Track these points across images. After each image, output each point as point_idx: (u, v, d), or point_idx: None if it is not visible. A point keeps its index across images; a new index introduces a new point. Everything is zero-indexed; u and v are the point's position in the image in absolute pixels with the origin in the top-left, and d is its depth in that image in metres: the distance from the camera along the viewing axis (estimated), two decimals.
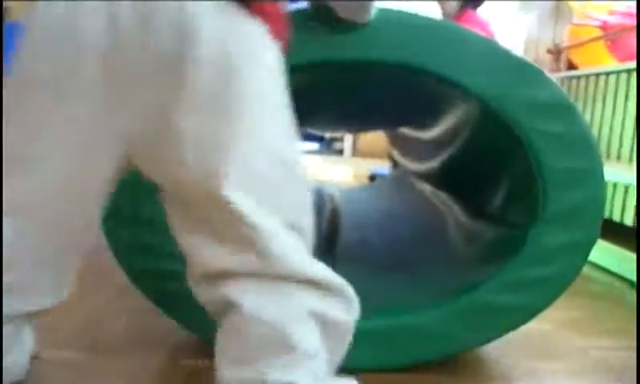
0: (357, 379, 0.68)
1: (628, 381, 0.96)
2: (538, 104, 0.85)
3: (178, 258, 0.87)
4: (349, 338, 0.66)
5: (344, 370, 0.90)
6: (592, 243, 0.89)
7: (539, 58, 2.96)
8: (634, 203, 1.70)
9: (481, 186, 1.14)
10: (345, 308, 0.64)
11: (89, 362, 0.89)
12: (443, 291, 0.98)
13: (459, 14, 1.89)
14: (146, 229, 0.86)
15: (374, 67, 0.88)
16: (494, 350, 1.02)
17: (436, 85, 0.91)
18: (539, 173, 0.86)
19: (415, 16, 0.85)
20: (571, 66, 2.72)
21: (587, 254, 0.89)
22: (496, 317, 0.91)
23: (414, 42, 0.84)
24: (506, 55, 0.86)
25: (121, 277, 1.29)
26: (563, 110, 0.85)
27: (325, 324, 0.62)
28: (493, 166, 1.06)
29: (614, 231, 1.75)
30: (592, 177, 0.86)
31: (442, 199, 1.44)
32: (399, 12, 0.85)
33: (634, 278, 1.52)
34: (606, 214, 1.86)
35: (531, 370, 0.98)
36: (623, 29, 2.33)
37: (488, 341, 0.93)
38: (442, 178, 1.43)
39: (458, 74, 0.85)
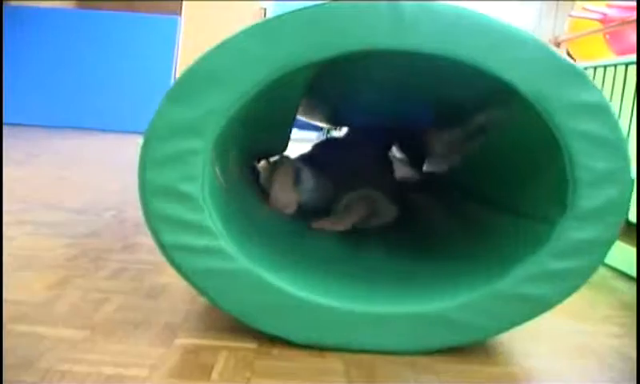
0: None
1: (607, 364, 0.97)
2: (577, 104, 0.86)
3: (212, 234, 0.87)
4: None
5: (366, 351, 0.92)
6: (613, 241, 0.91)
7: None
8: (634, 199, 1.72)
9: (509, 181, 1.15)
10: None
11: (85, 340, 0.89)
12: (467, 280, 1.00)
13: None
14: (181, 203, 0.85)
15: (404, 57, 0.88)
16: None
17: (466, 79, 0.91)
18: (572, 171, 0.87)
19: (456, 7, 0.85)
20: (570, 59, 2.75)
21: (607, 251, 0.91)
22: (516, 307, 0.93)
23: (456, 34, 0.84)
24: (550, 54, 0.87)
25: (113, 261, 1.28)
26: (601, 111, 0.87)
27: None
28: (523, 162, 1.07)
29: None
30: (621, 177, 0.88)
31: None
32: (439, 3, 0.85)
33: (628, 270, 1.55)
34: None
35: (510, 350, 0.99)
36: (622, 22, 2.35)
37: (505, 330, 0.95)
38: (469, 174, 1.44)
39: (502, 68, 0.85)
